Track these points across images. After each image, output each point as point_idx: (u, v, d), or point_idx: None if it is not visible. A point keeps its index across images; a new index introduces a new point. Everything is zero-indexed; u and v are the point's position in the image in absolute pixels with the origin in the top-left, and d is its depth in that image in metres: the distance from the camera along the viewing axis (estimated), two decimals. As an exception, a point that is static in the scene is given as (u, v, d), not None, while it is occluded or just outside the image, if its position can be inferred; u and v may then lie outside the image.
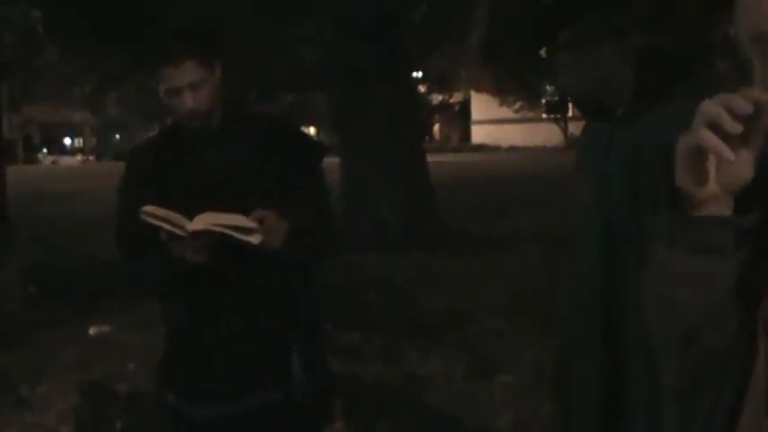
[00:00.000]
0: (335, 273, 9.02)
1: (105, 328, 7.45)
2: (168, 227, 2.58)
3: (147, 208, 2.59)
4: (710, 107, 1.12)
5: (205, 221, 2.59)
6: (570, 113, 41.20)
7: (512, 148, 41.24)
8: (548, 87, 41.01)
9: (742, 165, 1.15)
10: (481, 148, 43.92)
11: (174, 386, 2.96)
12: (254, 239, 2.60)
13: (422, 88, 38.11)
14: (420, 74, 32.37)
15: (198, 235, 2.59)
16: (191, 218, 2.60)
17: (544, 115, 42.27)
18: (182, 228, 2.58)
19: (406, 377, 6.05)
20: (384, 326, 7.21)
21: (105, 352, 6.77)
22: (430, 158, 13.76)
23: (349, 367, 6.20)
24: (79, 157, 55.44)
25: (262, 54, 16.23)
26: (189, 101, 2.74)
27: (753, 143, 1.14)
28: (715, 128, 1.12)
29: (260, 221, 2.63)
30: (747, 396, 1.24)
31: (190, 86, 2.73)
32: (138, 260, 2.89)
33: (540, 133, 40.31)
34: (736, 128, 1.11)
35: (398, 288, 8.77)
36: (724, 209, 1.19)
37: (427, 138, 44.86)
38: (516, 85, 38.29)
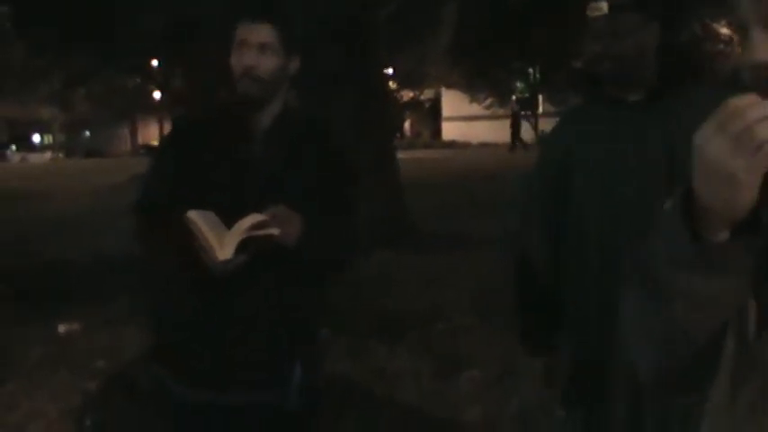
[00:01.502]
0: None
1: (75, 327, 7.44)
2: (204, 243, 2.63)
3: (192, 214, 2.63)
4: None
5: (232, 240, 2.62)
6: (540, 109, 41.40)
7: (482, 145, 41.34)
8: (518, 84, 41.19)
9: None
10: (452, 144, 44.00)
11: (173, 370, 2.93)
12: (274, 231, 2.65)
13: (392, 85, 38.14)
14: (390, 71, 32.39)
15: (227, 263, 2.64)
16: (221, 214, 2.64)
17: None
18: (213, 251, 2.62)
19: (374, 374, 6.09)
20: (351, 324, 7.24)
21: (75, 350, 6.76)
22: (401, 155, 13.80)
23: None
24: (48, 155, 54.99)
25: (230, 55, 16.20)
26: (251, 59, 2.79)
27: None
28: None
29: (272, 216, 2.66)
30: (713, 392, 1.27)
31: (259, 46, 2.80)
32: (155, 231, 2.89)
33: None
34: None
35: (366, 286, 8.80)
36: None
37: (398, 135, 44.90)
38: (486, 82, 38.38)
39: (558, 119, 3.16)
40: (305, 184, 2.82)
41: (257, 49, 2.80)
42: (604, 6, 2.69)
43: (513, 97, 40.39)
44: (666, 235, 1.19)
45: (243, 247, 2.64)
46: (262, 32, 2.81)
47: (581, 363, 2.92)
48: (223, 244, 2.62)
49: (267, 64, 2.82)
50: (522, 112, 41.10)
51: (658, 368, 1.29)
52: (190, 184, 2.81)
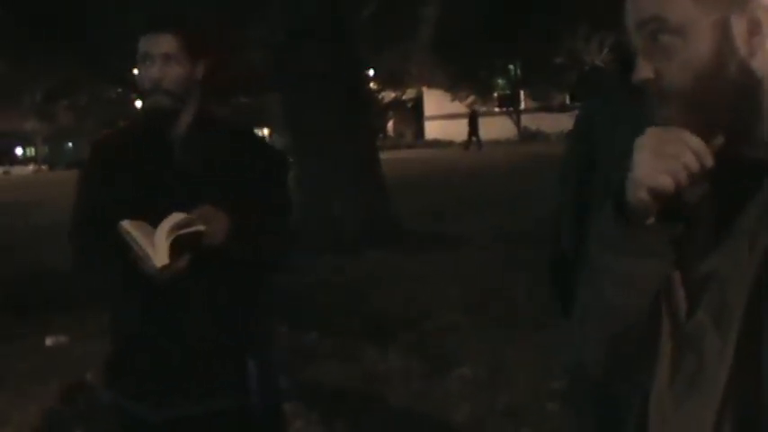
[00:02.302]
0: (290, 273, 9.05)
1: (62, 339, 7.43)
2: (139, 252, 2.62)
3: (125, 224, 2.63)
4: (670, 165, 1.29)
5: (160, 242, 2.61)
6: (522, 106, 41.48)
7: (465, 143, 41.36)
8: (499, 81, 41.25)
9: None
10: (435, 143, 44.02)
11: (126, 388, 2.95)
12: (200, 227, 2.65)
13: (374, 86, 38.13)
14: (372, 72, 32.38)
15: (165, 269, 2.63)
16: (149, 220, 2.64)
17: (497, 109, 42.48)
18: (151, 260, 2.61)
19: (364, 376, 6.09)
20: (340, 325, 7.25)
21: (63, 362, 6.75)
22: (384, 156, 13.81)
23: (306, 367, 6.24)
24: (31, 167, 54.76)
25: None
26: (156, 71, 2.78)
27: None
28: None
29: (198, 215, 2.66)
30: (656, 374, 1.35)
31: (162, 57, 2.79)
32: (92, 255, 2.90)
33: (494, 127, 40.47)
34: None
35: (354, 287, 8.81)
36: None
37: (381, 135, 44.88)
38: (468, 81, 38.42)
39: (580, 109, 3.19)
40: (227, 188, 2.82)
41: (161, 61, 2.79)
42: None
43: (472, 97, 40.50)
44: (602, 218, 1.38)
45: (176, 249, 2.63)
46: (164, 43, 2.79)
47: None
48: (156, 250, 2.61)
49: (173, 75, 2.80)
50: (505, 109, 41.21)
51: (601, 359, 1.43)
52: (115, 201, 2.82)
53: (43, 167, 53.72)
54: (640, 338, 1.36)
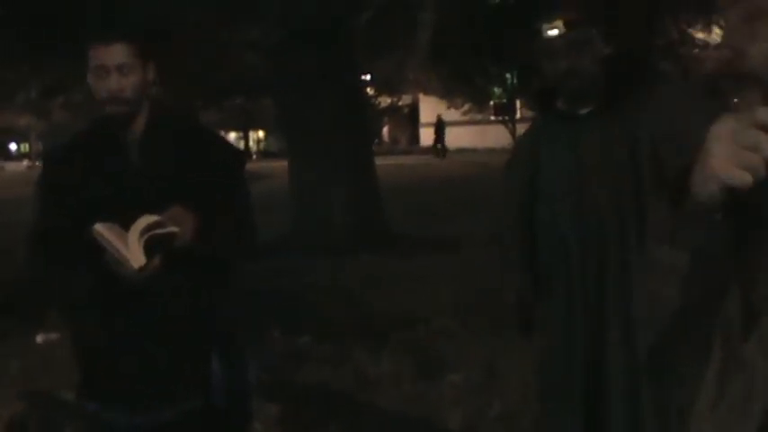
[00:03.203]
0: (284, 276, 9.03)
1: (53, 336, 7.39)
2: (115, 254, 2.61)
3: (99, 227, 2.62)
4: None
5: (134, 243, 2.61)
6: (518, 115, 41.50)
7: (460, 150, 41.37)
8: (495, 89, 41.27)
9: None
10: (430, 150, 44.03)
11: (93, 394, 2.95)
12: (174, 229, 2.65)
13: (370, 91, 38.13)
14: (368, 77, 32.39)
15: (142, 270, 2.63)
16: (118, 223, 2.63)
17: (492, 117, 42.48)
18: (127, 261, 2.61)
19: (356, 379, 6.07)
20: (334, 328, 7.22)
21: (53, 360, 6.71)
22: (379, 161, 13.80)
23: (299, 370, 6.22)
24: (25, 163, 54.60)
25: (208, 59, 16.16)
26: (114, 83, 2.77)
27: None
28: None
29: (168, 217, 2.66)
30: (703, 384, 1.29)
31: (117, 68, 2.77)
32: (55, 265, 2.89)
33: (489, 135, 40.47)
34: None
35: (347, 290, 8.79)
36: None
37: (376, 140, 44.90)
38: (464, 88, 38.45)
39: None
40: (189, 186, 2.83)
41: (117, 72, 2.78)
42: (560, 25, 2.79)
43: (467, 105, 40.70)
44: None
45: (148, 249, 2.63)
46: (118, 54, 2.78)
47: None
48: (131, 251, 2.61)
49: (130, 83, 2.80)
50: (500, 118, 41.25)
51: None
52: (76, 207, 2.81)
53: (37, 163, 53.58)
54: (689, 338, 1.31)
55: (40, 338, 7.39)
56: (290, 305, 7.80)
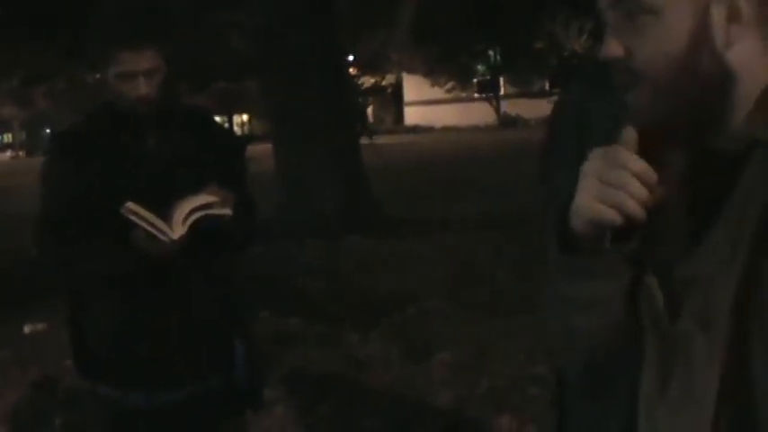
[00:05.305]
0: (272, 260, 9.03)
1: (40, 326, 7.37)
2: (151, 229, 2.62)
3: (131, 206, 2.61)
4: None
5: (180, 218, 2.64)
6: (502, 92, 41.49)
7: (445, 129, 41.37)
8: (479, 67, 41.24)
9: None
10: (415, 129, 43.99)
11: (109, 378, 2.94)
12: (227, 210, 2.70)
13: (353, 71, 38.05)
14: (351, 57, 32.32)
15: (182, 240, 2.64)
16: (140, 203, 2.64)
17: (476, 95, 42.47)
18: (164, 233, 2.62)
19: (346, 360, 6.09)
20: (323, 311, 7.23)
21: (41, 349, 6.70)
22: (364, 142, 13.78)
23: (289, 353, 6.22)
24: (8, 153, 54.36)
25: (192, 42, 16.09)
26: (143, 87, 2.76)
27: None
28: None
29: (223, 198, 2.71)
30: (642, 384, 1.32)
31: (145, 73, 2.76)
32: (69, 248, 2.89)
33: (473, 112, 40.47)
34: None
35: (336, 273, 8.79)
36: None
37: (364, 124, 44.84)
38: (447, 66, 38.43)
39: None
40: (203, 167, 2.86)
41: (145, 77, 2.77)
42: None
43: (451, 83, 40.68)
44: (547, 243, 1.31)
45: (192, 226, 2.66)
46: (147, 60, 2.77)
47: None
48: (173, 223, 2.63)
49: (155, 84, 2.80)
50: (484, 95, 41.23)
51: (576, 370, 1.44)
52: (94, 190, 2.82)
53: (20, 153, 53.37)
54: (618, 351, 1.33)
55: (27, 328, 7.37)
56: (279, 287, 7.80)
